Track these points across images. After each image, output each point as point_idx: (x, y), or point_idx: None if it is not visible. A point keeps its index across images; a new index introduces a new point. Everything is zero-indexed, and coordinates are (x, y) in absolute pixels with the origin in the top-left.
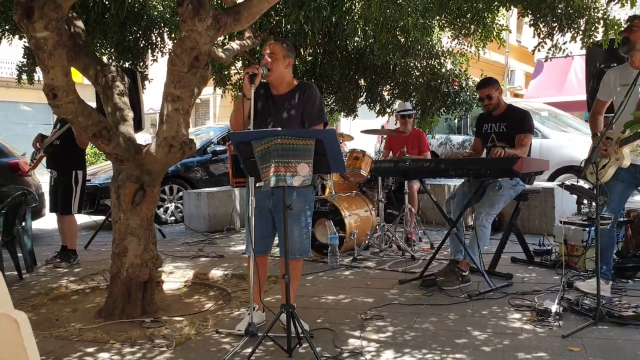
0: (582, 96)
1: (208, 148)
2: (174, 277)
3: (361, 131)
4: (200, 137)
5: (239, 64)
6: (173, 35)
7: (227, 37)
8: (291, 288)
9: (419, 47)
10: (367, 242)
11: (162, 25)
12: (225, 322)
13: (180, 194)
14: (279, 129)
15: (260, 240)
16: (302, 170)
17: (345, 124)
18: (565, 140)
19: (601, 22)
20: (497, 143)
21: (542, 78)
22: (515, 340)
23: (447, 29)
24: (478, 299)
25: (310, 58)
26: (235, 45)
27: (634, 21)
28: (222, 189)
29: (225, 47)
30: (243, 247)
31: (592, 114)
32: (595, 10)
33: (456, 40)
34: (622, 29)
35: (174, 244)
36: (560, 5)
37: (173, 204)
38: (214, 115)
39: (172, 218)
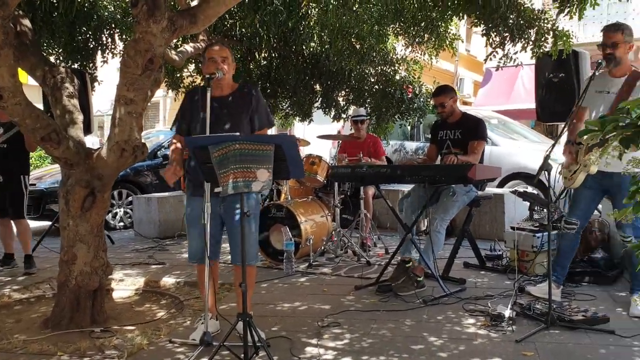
0: (529, 105)
1: (159, 152)
2: (125, 285)
3: (317, 136)
4: (150, 140)
5: (191, 67)
6: (124, 37)
7: (180, 39)
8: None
9: (374, 54)
10: (323, 248)
11: (113, 26)
12: (179, 331)
13: (130, 198)
14: (237, 134)
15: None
16: (261, 176)
17: (299, 129)
18: (514, 148)
19: (550, 32)
20: (452, 150)
21: (491, 87)
22: (471, 346)
23: (401, 37)
24: (433, 304)
25: (265, 62)
26: (189, 47)
27: (616, 35)
28: (173, 194)
29: (178, 50)
30: None
31: (571, 121)
32: (545, 22)
33: (410, 48)
34: (604, 45)
35: (124, 251)
36: (511, 16)
37: (122, 209)
38: (164, 119)
39: (121, 224)
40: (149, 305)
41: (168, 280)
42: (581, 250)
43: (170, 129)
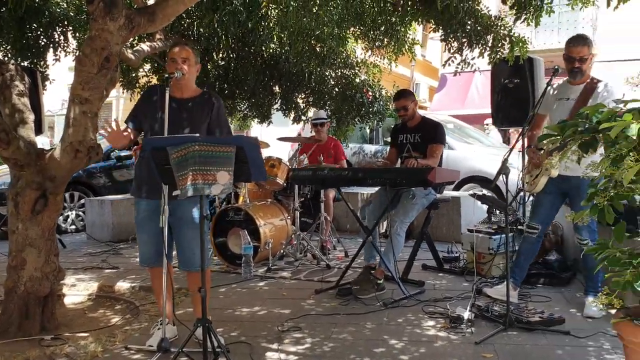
0: (483, 110)
1: (112, 153)
2: (77, 290)
3: (277, 138)
4: (103, 141)
5: (147, 67)
6: (78, 35)
7: (136, 38)
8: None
9: (335, 56)
10: (282, 251)
11: (65, 23)
12: (135, 338)
13: (82, 201)
14: (197, 135)
15: (156, 250)
16: (221, 178)
17: (256, 131)
18: (469, 152)
19: (507, 39)
20: (412, 153)
21: (446, 92)
22: (431, 348)
23: (361, 41)
24: (393, 307)
25: (223, 63)
26: (145, 46)
27: (583, 49)
28: (127, 196)
29: (135, 49)
30: None
31: (531, 128)
32: (502, 28)
33: (370, 52)
34: (572, 58)
35: (76, 255)
36: (469, 22)
37: (74, 212)
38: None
39: (73, 227)
40: (103, 311)
41: (123, 285)
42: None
43: (126, 122)
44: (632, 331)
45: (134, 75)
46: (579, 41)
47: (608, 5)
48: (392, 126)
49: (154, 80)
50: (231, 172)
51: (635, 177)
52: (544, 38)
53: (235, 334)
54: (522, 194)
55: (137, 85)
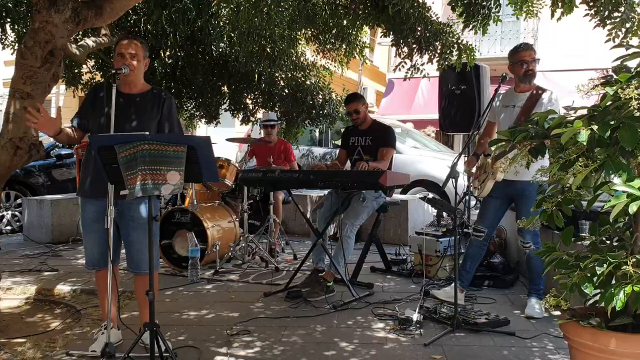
0: (428, 115)
1: (52, 151)
2: (13, 294)
3: (227, 139)
4: (42, 138)
5: (91, 62)
6: (17, 28)
7: (80, 33)
8: (148, 304)
9: (285, 58)
10: (230, 254)
11: (4, 14)
12: (77, 343)
13: (19, 200)
14: (147, 133)
15: (103, 252)
16: (172, 178)
17: (202, 132)
18: (417, 156)
19: (455, 46)
20: (362, 156)
21: (393, 97)
22: (382, 350)
23: (312, 43)
24: (343, 309)
25: (171, 61)
26: (90, 42)
27: (533, 52)
28: (68, 196)
29: (79, 44)
30: None
31: (481, 135)
32: (451, 35)
33: (321, 55)
34: (526, 61)
35: (12, 257)
36: (419, 28)
37: (10, 212)
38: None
39: (9, 227)
40: (42, 316)
41: (63, 288)
42: None
43: (71, 121)
44: (578, 332)
45: (76, 71)
46: (527, 46)
47: (552, 16)
48: (342, 129)
49: (98, 77)
50: (182, 172)
51: (581, 182)
52: (487, 47)
53: (182, 338)
54: (466, 197)
55: (80, 82)
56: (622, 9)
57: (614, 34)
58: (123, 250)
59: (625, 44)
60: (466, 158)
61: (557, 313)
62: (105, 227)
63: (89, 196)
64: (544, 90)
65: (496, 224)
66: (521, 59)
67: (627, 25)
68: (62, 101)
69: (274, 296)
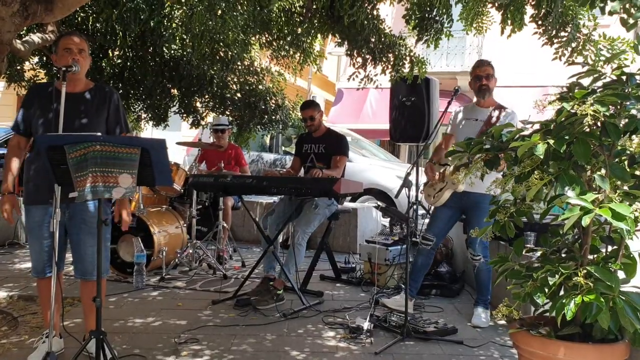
0: (376, 125)
1: None
2: None
3: (177, 143)
4: None
5: (34, 59)
6: None
7: (25, 28)
8: (94, 311)
9: (239, 62)
10: (176, 260)
11: None
12: (14, 352)
13: None
14: (99, 134)
15: (50, 258)
16: (124, 181)
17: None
18: (366, 165)
19: (407, 58)
20: (316, 163)
21: (342, 106)
22: (333, 359)
23: (266, 49)
24: (293, 318)
25: (119, 61)
26: (36, 38)
27: (490, 69)
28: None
29: (24, 39)
30: (29, 264)
31: (438, 145)
32: (404, 48)
33: (274, 61)
34: (479, 76)
35: None
36: (373, 39)
37: None
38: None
39: None
40: None
41: None
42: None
43: (15, 128)
44: (528, 341)
45: (19, 67)
46: (484, 62)
47: (502, 33)
48: (292, 136)
49: (42, 75)
50: (134, 175)
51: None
52: (433, 61)
53: (128, 346)
54: (414, 207)
55: (23, 78)
56: (568, 29)
57: (560, 53)
58: (67, 254)
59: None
60: (420, 169)
61: (502, 322)
62: (50, 231)
63: (37, 201)
64: (505, 108)
65: (445, 234)
66: (476, 75)
67: (573, 44)
68: (0, 98)
69: (223, 304)
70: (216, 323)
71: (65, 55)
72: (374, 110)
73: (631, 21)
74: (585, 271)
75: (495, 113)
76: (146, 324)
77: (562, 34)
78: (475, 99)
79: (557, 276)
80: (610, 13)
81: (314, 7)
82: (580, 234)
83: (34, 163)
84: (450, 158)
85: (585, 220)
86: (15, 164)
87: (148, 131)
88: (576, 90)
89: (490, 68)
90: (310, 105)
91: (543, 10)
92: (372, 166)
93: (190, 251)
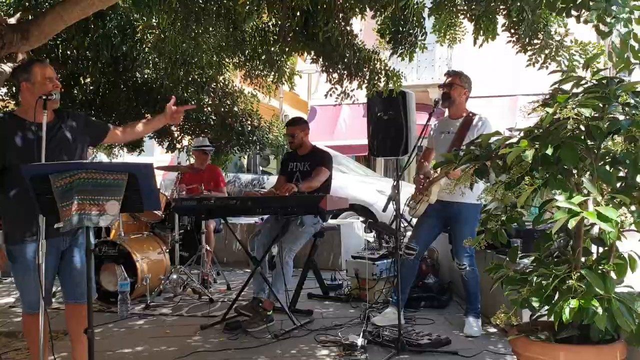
0: (351, 141)
1: None
2: None
3: (156, 167)
4: None
5: (3, 90)
6: None
7: None
8: (84, 342)
9: (214, 84)
10: (161, 287)
11: None
12: None
13: None
14: (85, 161)
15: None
16: (111, 209)
17: (120, 161)
18: (344, 181)
19: (383, 72)
20: (300, 182)
21: (316, 124)
22: None
23: (240, 69)
24: (285, 339)
25: (92, 87)
26: (7, 67)
27: (454, 78)
28: None
29: None
30: (9, 299)
31: (419, 160)
32: (378, 62)
33: (249, 81)
34: (443, 85)
35: None
36: (347, 55)
37: None
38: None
39: None
40: None
41: None
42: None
43: None
44: (528, 346)
45: None
46: (451, 72)
47: (474, 44)
48: (269, 155)
49: (12, 106)
50: (120, 201)
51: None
52: (405, 74)
53: None
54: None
55: None
56: (540, 36)
57: (534, 59)
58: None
59: (556, 67)
60: (402, 182)
61: (494, 330)
62: (38, 263)
63: (29, 239)
64: (474, 115)
65: (429, 244)
66: (439, 85)
67: (546, 51)
68: None
69: (212, 328)
70: (207, 348)
71: (48, 84)
72: (347, 126)
73: (606, 30)
74: (578, 274)
75: (464, 122)
76: (136, 353)
77: (535, 41)
78: (446, 112)
79: (551, 279)
80: (586, 22)
81: (288, 24)
82: (572, 237)
83: (18, 198)
84: (433, 171)
85: (571, 223)
86: None
87: (121, 157)
88: (558, 95)
89: (453, 77)
90: (292, 123)
91: (514, 19)
92: (351, 182)
93: (175, 277)
